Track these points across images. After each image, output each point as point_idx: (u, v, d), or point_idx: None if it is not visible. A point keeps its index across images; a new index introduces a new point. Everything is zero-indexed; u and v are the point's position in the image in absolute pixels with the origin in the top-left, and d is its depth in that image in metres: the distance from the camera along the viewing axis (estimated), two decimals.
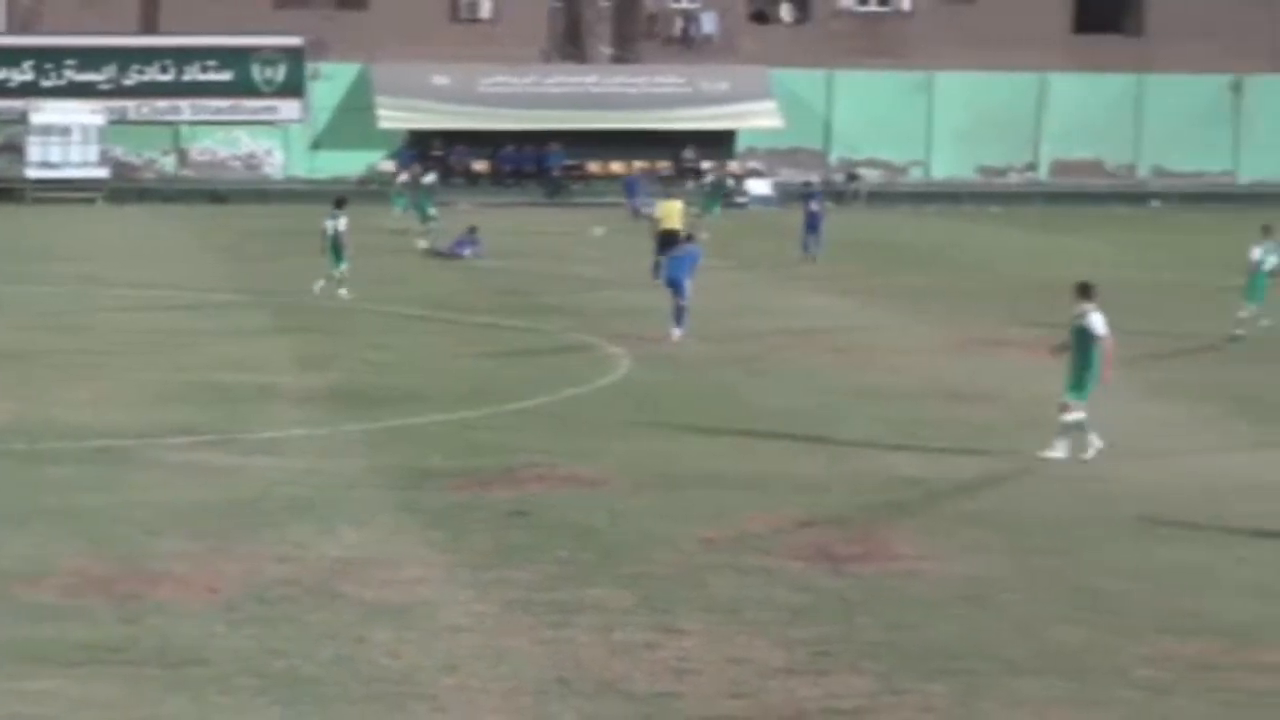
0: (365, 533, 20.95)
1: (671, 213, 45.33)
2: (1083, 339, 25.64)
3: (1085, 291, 26.20)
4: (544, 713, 15.15)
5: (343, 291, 42.72)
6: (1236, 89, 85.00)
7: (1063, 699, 15.66)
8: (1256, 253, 39.46)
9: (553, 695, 15.58)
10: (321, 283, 43.07)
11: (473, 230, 53.88)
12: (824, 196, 57.83)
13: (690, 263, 37.88)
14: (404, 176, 66.45)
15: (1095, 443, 25.04)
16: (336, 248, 43.25)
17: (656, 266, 44.42)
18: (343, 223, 43.90)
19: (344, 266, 43.37)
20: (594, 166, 79.57)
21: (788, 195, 74.92)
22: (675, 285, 37.16)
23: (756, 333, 37.98)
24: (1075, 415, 25.17)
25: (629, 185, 70.51)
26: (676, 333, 36.76)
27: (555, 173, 77.92)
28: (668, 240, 44.15)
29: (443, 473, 24.23)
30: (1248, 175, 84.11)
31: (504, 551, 20.20)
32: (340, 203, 45.10)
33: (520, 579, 19.09)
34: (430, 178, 64.98)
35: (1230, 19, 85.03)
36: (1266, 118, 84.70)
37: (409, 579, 19.09)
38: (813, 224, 54.55)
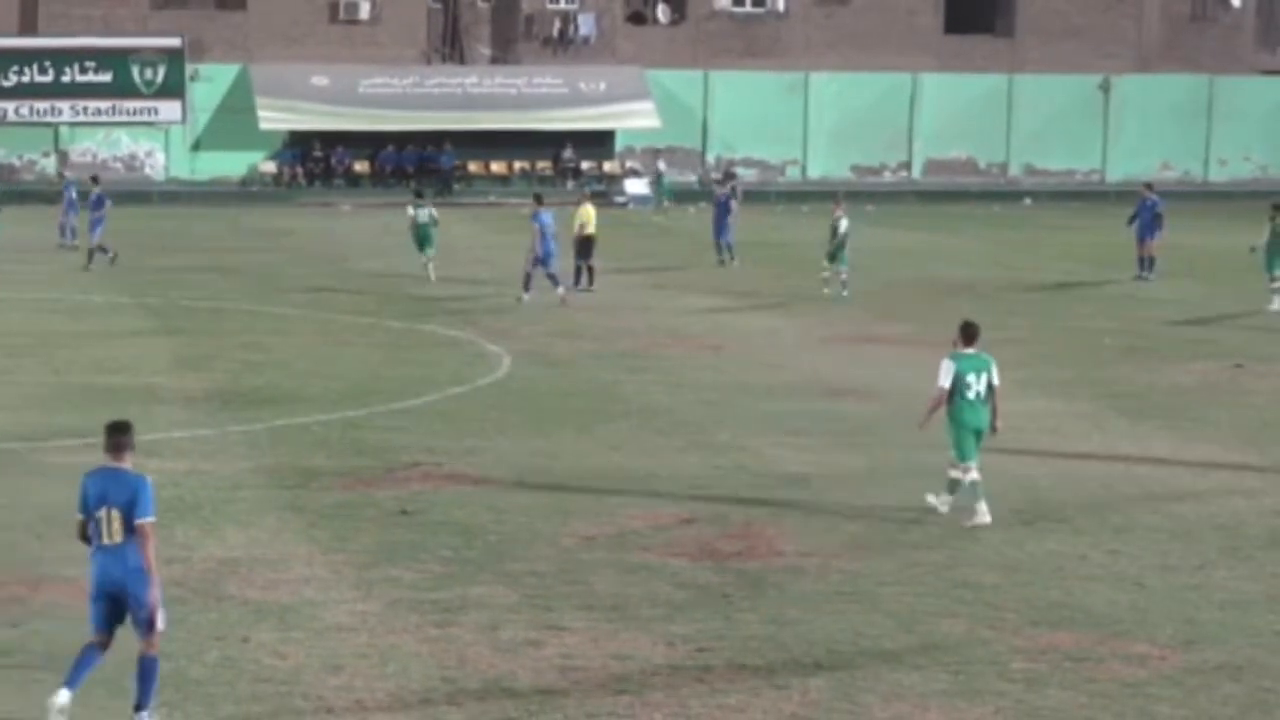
0: (250, 533, 20.86)
1: (588, 218, 45.16)
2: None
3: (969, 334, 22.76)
4: (430, 713, 15.12)
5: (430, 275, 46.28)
6: (1105, 89, 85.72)
7: (942, 691, 15.77)
8: (845, 224, 45.30)
9: (439, 694, 15.56)
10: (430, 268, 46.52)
11: (94, 179, 54.20)
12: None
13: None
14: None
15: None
16: (424, 236, 46.48)
17: (579, 272, 44.68)
18: (425, 213, 47.10)
19: (431, 252, 46.84)
20: (475, 166, 79.30)
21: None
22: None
23: (634, 331, 37.99)
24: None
25: None
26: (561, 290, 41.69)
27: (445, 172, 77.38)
28: (585, 246, 44.57)
29: (327, 472, 24.15)
30: (1115, 173, 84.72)
31: (389, 550, 20.16)
32: (420, 194, 49.28)
33: (405, 578, 19.06)
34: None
35: (1098, 20, 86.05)
36: (1133, 117, 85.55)
37: (295, 579, 19.02)
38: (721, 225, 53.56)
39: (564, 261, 44.46)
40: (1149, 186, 53.94)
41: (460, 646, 16.86)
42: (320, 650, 16.67)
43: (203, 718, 14.88)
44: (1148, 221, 50.68)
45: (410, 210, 47.27)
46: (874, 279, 47.05)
